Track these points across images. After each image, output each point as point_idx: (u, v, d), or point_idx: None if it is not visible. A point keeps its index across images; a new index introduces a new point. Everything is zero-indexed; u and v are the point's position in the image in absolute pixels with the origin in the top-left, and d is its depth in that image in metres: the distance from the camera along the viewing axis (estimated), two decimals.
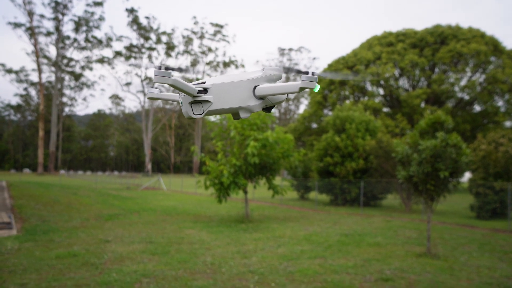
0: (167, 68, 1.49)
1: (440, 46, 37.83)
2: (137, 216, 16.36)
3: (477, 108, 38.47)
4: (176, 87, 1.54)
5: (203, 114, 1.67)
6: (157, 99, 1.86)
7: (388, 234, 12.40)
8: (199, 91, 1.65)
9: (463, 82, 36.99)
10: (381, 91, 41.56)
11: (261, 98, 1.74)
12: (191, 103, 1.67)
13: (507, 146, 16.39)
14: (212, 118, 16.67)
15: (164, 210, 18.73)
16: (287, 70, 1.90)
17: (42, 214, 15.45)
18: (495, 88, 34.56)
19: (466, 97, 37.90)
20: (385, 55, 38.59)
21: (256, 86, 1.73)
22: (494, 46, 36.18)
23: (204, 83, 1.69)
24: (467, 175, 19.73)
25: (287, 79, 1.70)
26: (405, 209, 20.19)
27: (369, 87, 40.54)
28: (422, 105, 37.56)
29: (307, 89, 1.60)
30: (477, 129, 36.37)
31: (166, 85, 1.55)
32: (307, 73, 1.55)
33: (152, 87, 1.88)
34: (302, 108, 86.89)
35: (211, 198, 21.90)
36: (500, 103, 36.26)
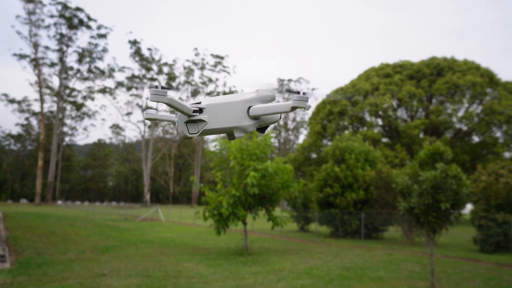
0: (163, 87, 1.53)
1: (437, 78, 38.51)
2: (134, 248, 16.03)
3: (475, 138, 38.65)
4: (172, 106, 1.57)
5: (198, 133, 1.71)
6: (154, 119, 1.90)
7: (390, 268, 12.11)
8: (195, 111, 1.69)
9: (460, 113, 37.37)
10: (380, 122, 41.90)
11: (255, 118, 1.77)
12: (187, 122, 1.72)
13: (507, 177, 16.33)
14: (212, 148, 16.72)
15: (162, 242, 18.38)
16: (280, 90, 1.98)
17: (38, 246, 15.15)
18: (492, 119, 34.87)
19: (464, 128, 38.16)
20: (383, 86, 39.20)
21: (250, 107, 1.76)
22: (490, 77, 36.85)
23: (199, 103, 1.74)
24: (469, 207, 19.53)
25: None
26: (407, 242, 19.83)
27: (367, 117, 40.90)
28: (421, 135, 37.75)
29: (299, 108, 1.64)
30: (476, 160, 36.37)
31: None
32: (298, 92, 1.60)
33: (149, 108, 1.92)
34: (301, 138, 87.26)
35: (210, 229, 21.59)
36: (498, 134, 36.48)
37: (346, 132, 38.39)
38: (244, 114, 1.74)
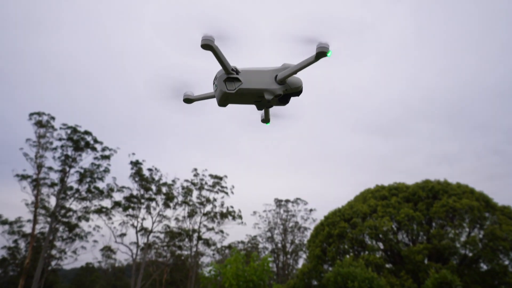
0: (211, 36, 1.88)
1: (433, 201, 38.76)
2: None
3: (483, 266, 36.83)
4: (216, 53, 1.89)
5: (235, 89, 2.01)
6: (192, 100, 2.30)
7: None
8: (233, 69, 2.03)
9: (463, 238, 36.44)
10: (381, 245, 40.53)
11: (282, 82, 2.12)
12: (225, 80, 2.04)
13: None
14: (206, 273, 15.71)
15: None
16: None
17: None
18: (497, 245, 33.84)
19: (470, 254, 36.73)
20: (380, 208, 39.17)
21: (277, 75, 2.14)
22: (486, 202, 37.10)
23: (236, 68, 2.09)
24: None
25: None
26: None
27: (368, 240, 39.72)
28: (426, 261, 36.08)
29: (323, 56, 2.02)
30: None
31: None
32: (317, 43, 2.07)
33: (187, 92, 2.32)
34: (301, 262, 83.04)
35: None
36: (506, 261, 34.92)
37: (347, 256, 36.77)
38: (272, 80, 2.10)
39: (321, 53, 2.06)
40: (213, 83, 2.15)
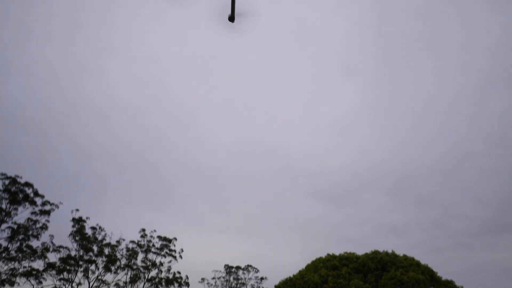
0: None
1: (382, 272, 39.05)
2: None
3: None
4: None
5: None
6: None
7: None
8: None
9: None
10: None
11: None
12: None
13: None
14: None
15: None
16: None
17: None
18: None
19: None
20: (331, 279, 38.68)
21: None
22: (431, 275, 38.01)
23: None
24: None
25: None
26: None
27: None
28: None
29: None
30: None
31: None
32: None
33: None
34: None
35: None
36: None
37: None
38: None
39: None
40: None
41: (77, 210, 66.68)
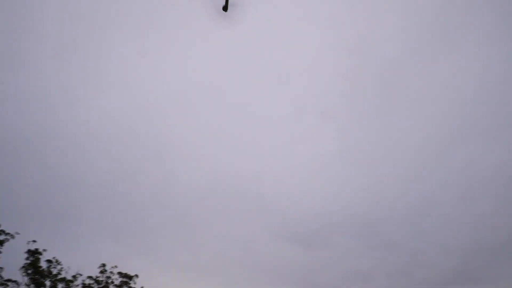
0: None
1: None
2: None
3: None
4: None
5: None
6: None
7: None
8: None
9: None
10: None
11: None
12: None
13: None
14: None
15: None
16: None
17: None
18: None
19: None
20: None
21: None
22: None
23: None
24: None
25: None
26: None
27: None
28: None
29: None
30: None
31: None
32: None
33: None
34: None
35: None
36: None
37: None
38: None
39: None
40: None
41: (34, 241, 62.47)
